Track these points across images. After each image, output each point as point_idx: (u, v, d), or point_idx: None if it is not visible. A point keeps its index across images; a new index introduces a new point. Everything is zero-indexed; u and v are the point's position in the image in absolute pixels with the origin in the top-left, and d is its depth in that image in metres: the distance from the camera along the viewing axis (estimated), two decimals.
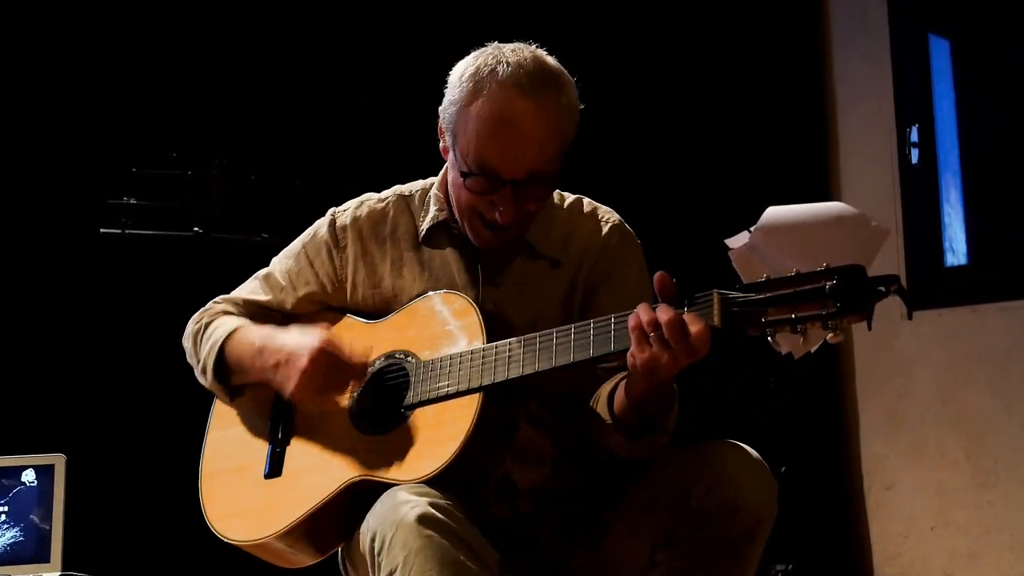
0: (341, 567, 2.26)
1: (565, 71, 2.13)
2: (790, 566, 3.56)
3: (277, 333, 2.20)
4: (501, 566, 1.95)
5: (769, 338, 1.80)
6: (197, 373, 2.34)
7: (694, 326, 1.82)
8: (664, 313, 1.84)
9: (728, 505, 1.97)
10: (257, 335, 2.23)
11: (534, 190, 2.10)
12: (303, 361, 2.10)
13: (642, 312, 1.86)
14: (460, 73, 2.11)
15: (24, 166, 3.89)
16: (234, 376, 2.26)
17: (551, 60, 2.13)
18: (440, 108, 2.16)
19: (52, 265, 3.86)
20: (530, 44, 2.14)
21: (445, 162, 2.25)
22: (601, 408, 2.09)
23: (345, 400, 2.17)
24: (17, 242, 3.87)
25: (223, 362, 2.25)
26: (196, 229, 3.43)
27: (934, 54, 4.05)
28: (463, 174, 2.09)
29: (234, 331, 2.26)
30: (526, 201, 2.10)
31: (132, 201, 3.39)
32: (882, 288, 1.73)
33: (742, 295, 1.81)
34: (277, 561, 2.23)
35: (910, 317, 1.79)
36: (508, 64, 2.05)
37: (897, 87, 3.98)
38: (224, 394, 2.29)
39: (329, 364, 2.10)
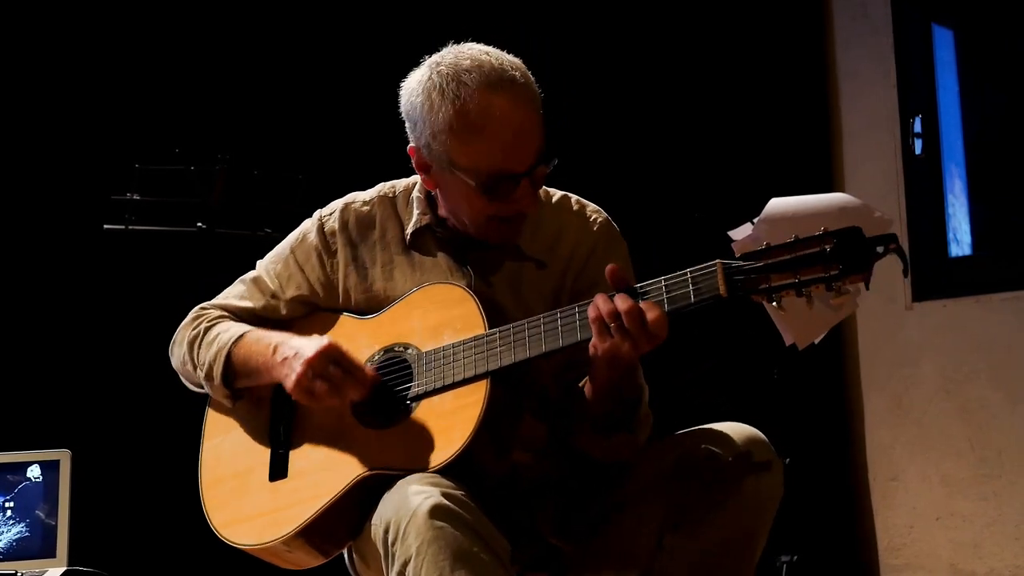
0: (348, 563, 2.27)
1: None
2: (795, 557, 3.55)
3: (289, 336, 2.20)
4: (512, 557, 1.95)
5: (774, 303, 1.84)
6: (192, 377, 2.33)
7: (651, 313, 1.90)
8: (623, 302, 1.91)
9: (734, 487, 1.99)
10: (271, 337, 2.22)
11: (543, 169, 2.13)
12: (309, 352, 2.10)
13: (601, 303, 1.93)
14: (423, 97, 2.09)
15: (28, 162, 3.90)
16: (239, 379, 2.26)
17: (487, 47, 2.13)
18: (411, 132, 2.15)
19: (56, 261, 3.87)
20: (454, 43, 2.14)
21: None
22: (575, 402, 2.12)
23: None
24: (21, 238, 3.87)
25: (230, 364, 2.25)
26: (200, 224, 3.43)
27: (938, 44, 4.04)
28: (483, 188, 2.08)
29: (243, 334, 2.25)
30: (538, 184, 2.15)
31: (136, 197, 3.39)
32: (880, 248, 1.77)
33: (744, 263, 1.85)
34: (283, 564, 2.22)
35: (905, 275, 1.81)
36: (469, 71, 2.05)
37: (900, 77, 3.96)
38: (228, 398, 2.29)
39: (333, 358, 2.10)
